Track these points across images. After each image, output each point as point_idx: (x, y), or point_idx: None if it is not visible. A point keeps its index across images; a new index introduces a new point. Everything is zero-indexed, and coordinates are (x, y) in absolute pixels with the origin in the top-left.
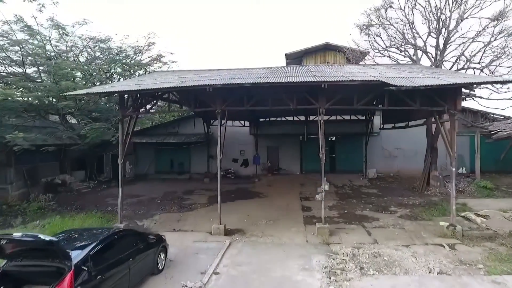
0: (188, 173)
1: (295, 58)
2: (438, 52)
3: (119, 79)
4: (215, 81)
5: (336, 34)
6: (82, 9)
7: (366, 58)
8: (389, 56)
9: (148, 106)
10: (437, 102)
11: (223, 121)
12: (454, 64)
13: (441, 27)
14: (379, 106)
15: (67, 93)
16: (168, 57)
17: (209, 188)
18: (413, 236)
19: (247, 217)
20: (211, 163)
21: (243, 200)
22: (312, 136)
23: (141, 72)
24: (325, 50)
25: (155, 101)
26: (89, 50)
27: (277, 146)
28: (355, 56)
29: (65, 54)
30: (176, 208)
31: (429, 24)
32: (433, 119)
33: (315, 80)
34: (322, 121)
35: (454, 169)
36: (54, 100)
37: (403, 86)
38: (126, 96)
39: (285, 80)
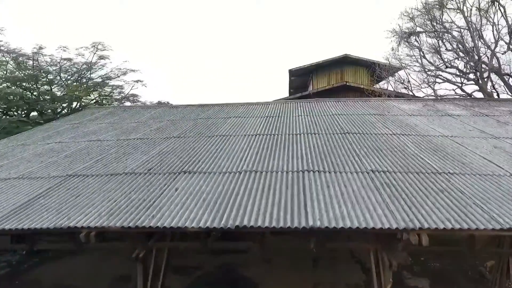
0: None
1: (302, 75)
2: None
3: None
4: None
5: (348, 46)
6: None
7: (399, 75)
8: (437, 76)
9: None
10: None
11: None
12: None
13: None
14: None
15: None
16: (130, 75)
17: None
18: None
19: None
20: None
21: None
22: None
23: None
24: (343, 65)
25: None
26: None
27: None
28: (386, 73)
29: None
30: None
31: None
32: None
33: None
34: None
35: None
36: None
37: None
38: None
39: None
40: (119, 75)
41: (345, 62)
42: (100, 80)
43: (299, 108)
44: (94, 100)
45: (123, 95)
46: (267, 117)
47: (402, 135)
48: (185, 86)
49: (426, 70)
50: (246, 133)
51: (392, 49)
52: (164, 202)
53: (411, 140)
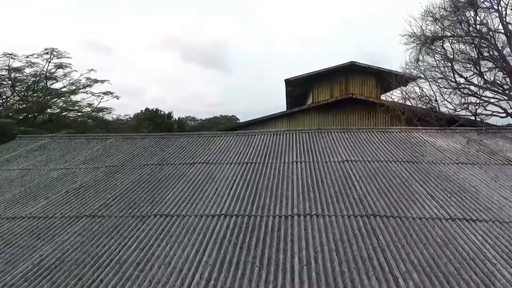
0: None
1: (300, 85)
2: None
3: None
4: None
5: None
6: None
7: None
8: (481, 98)
9: None
10: None
11: None
12: None
13: None
14: None
15: None
16: (96, 87)
17: None
18: None
19: None
20: None
21: None
22: None
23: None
24: (348, 74)
25: None
26: None
27: None
28: (399, 83)
29: None
30: None
31: None
32: None
33: None
34: None
35: None
36: None
37: None
38: None
39: None
40: (85, 86)
41: (351, 70)
42: (53, 93)
43: (294, 146)
44: (48, 118)
45: (93, 107)
46: (246, 163)
47: (466, 220)
48: (186, 86)
49: (459, 86)
50: (204, 211)
51: (417, 60)
52: None
53: (488, 237)
